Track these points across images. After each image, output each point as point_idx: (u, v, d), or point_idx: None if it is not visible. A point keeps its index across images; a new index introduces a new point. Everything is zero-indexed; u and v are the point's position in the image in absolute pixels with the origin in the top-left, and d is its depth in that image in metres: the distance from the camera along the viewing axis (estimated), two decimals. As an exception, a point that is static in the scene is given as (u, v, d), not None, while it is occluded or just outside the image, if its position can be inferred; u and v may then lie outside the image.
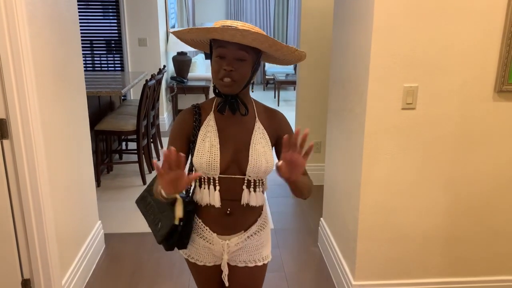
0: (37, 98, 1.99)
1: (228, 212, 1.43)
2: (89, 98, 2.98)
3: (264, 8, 9.37)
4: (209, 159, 1.37)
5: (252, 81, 1.41)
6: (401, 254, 2.29)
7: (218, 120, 1.42)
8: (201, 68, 6.92)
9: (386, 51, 1.99)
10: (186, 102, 6.52)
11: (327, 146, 2.87)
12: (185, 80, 6.36)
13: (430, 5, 1.94)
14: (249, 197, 1.43)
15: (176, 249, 1.52)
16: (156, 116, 4.78)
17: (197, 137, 1.41)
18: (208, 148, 1.38)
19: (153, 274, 2.70)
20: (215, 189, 1.41)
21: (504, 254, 2.35)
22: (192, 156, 1.42)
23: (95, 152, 3.86)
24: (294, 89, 8.92)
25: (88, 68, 5.75)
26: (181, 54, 6.32)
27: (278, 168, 1.24)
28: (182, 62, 6.32)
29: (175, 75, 6.46)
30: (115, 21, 5.62)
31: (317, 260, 2.92)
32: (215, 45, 1.32)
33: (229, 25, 1.27)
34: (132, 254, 2.96)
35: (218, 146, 1.38)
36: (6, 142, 1.93)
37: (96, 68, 5.88)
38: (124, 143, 4.96)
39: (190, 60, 6.44)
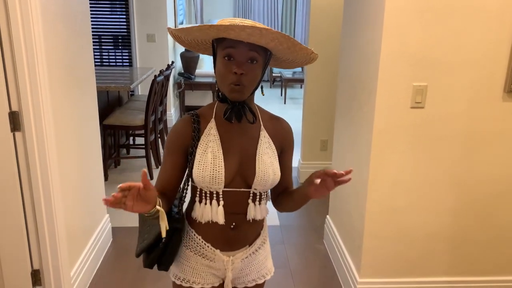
0: (49, 92, 2.01)
1: (232, 226, 1.32)
2: (98, 92, 3.01)
3: (272, 5, 9.37)
4: (213, 172, 1.24)
5: (260, 85, 1.29)
6: (406, 252, 2.30)
7: (219, 128, 1.29)
8: (208, 64, 6.93)
9: (396, 50, 1.99)
10: (194, 98, 6.54)
11: (334, 144, 2.88)
12: (193, 77, 6.38)
13: (440, 4, 1.94)
14: (255, 212, 1.32)
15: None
16: (164, 112, 4.80)
17: (196, 148, 1.27)
18: (210, 159, 1.25)
19: (160, 268, 2.73)
20: (218, 204, 1.28)
21: (509, 254, 2.35)
22: (190, 169, 1.29)
23: (103, 146, 3.89)
24: (301, 87, 8.91)
25: (96, 63, 5.79)
26: (189, 50, 6.32)
27: (311, 184, 1.19)
28: (189, 59, 6.34)
29: (182, 71, 6.48)
30: (124, 16, 5.65)
31: (322, 257, 2.93)
32: (222, 46, 1.18)
33: (239, 22, 1.13)
34: (139, 247, 2.98)
35: (222, 157, 1.25)
36: (18, 134, 1.96)
37: (104, 63, 5.92)
38: (131, 138, 4.99)
39: (198, 56, 6.46)
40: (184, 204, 1.40)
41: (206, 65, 6.84)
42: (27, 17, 1.84)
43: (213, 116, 1.30)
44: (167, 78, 4.57)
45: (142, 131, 4.18)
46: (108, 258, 2.85)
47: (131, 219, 3.35)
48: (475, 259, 2.35)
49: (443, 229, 2.27)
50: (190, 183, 1.35)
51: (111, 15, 5.70)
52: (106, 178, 4.01)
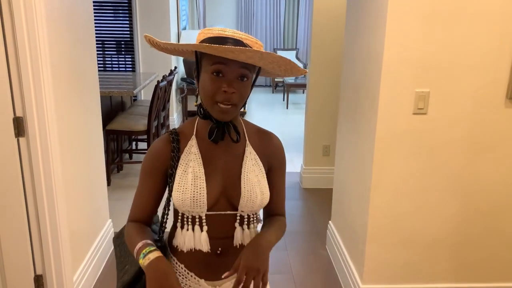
0: (53, 97, 2.02)
1: (218, 252, 1.20)
2: (101, 98, 3.03)
3: (274, 9, 9.40)
4: (194, 194, 1.14)
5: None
6: (409, 258, 2.29)
7: (201, 146, 1.18)
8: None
9: (399, 56, 2.00)
10: (196, 103, 6.56)
11: (336, 149, 2.88)
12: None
13: (443, 10, 1.95)
14: (243, 237, 1.21)
15: None
16: (167, 117, 4.82)
17: (176, 169, 1.16)
18: (191, 181, 1.14)
19: (162, 273, 2.72)
20: (201, 230, 1.17)
21: (513, 261, 2.34)
22: (170, 193, 1.19)
23: (106, 151, 3.90)
24: (303, 92, 8.93)
25: (99, 68, 5.82)
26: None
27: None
28: (192, 64, 6.33)
29: (185, 76, 6.51)
30: (127, 22, 5.68)
31: (325, 262, 2.93)
32: (210, 60, 1.08)
33: (230, 35, 1.08)
34: (141, 252, 2.98)
35: (204, 178, 1.15)
36: (22, 140, 1.97)
37: (108, 69, 5.95)
38: (134, 143, 5.01)
39: (201, 61, 6.48)
40: (166, 230, 1.30)
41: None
42: (32, 23, 1.85)
43: (194, 133, 1.20)
44: (170, 83, 4.59)
45: (145, 136, 4.19)
46: (110, 263, 2.85)
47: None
48: (479, 265, 2.34)
49: (446, 235, 2.27)
50: (171, 207, 1.24)
51: (114, 21, 5.74)
52: (109, 183, 4.03)
